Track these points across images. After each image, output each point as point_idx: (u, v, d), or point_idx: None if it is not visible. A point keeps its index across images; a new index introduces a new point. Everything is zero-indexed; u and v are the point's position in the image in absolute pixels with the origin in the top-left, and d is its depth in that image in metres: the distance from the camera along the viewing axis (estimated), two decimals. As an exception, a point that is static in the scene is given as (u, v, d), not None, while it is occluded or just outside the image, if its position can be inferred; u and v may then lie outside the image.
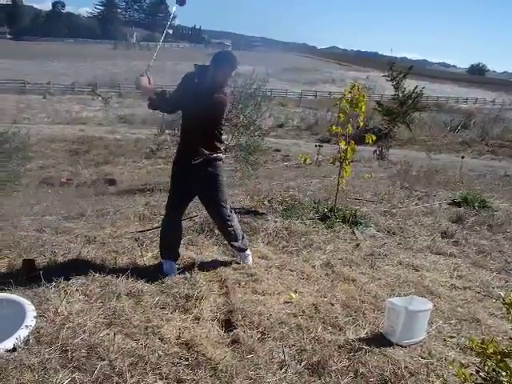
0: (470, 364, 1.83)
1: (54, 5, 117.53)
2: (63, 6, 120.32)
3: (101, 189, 8.87)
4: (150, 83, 3.07)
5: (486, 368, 1.43)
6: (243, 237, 3.46)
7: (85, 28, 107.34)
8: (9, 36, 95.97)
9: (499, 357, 1.37)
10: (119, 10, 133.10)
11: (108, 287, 2.82)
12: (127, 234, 3.85)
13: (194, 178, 3.14)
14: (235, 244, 3.40)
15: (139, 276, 3.00)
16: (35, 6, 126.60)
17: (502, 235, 4.68)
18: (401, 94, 15.47)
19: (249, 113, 8.41)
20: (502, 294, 1.44)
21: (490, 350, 1.38)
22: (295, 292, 3.05)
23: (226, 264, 3.40)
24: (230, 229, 3.35)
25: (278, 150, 15.19)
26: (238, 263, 3.43)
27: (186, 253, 3.50)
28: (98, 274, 2.94)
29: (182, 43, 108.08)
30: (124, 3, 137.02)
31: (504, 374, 1.38)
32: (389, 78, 15.50)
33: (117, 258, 3.32)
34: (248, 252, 3.48)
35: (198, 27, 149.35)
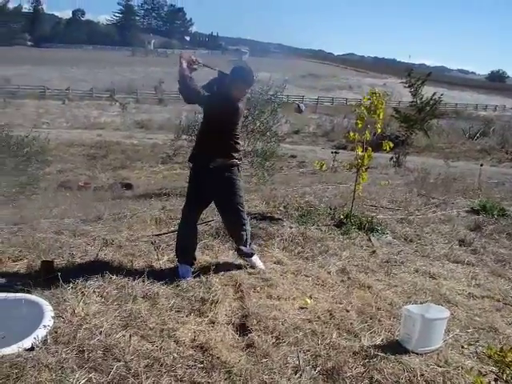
0: (488, 372, 1.80)
1: (74, 13, 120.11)
2: (83, 13, 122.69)
3: (118, 193, 8.98)
4: (194, 61, 3.15)
5: (505, 376, 1.41)
6: (251, 242, 3.51)
7: (103, 35, 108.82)
8: (29, 43, 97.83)
9: (518, 365, 1.35)
10: (137, 18, 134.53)
11: (124, 289, 2.85)
12: (144, 237, 3.90)
13: (211, 182, 3.18)
14: (244, 249, 3.42)
15: (155, 279, 3.03)
16: (56, 13, 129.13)
17: (522, 244, 4.58)
18: (419, 101, 15.37)
19: (265, 119, 8.43)
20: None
21: (509, 359, 1.36)
22: (310, 298, 3.04)
23: (241, 268, 3.40)
24: (243, 233, 3.37)
25: (293, 157, 15.19)
26: (253, 268, 3.42)
27: (201, 257, 3.53)
28: (114, 277, 2.99)
29: (199, 50, 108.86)
30: (142, 11, 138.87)
31: (523, 382, 1.36)
32: (407, 85, 15.41)
33: (133, 261, 3.36)
34: (255, 257, 3.49)
35: (215, 34, 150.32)
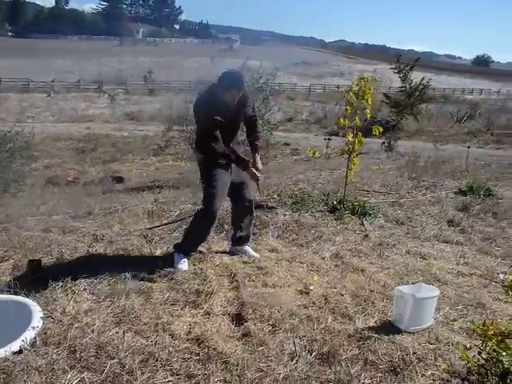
0: (473, 346, 1.85)
1: (56, 1, 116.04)
2: (66, 2, 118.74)
3: (108, 187, 8.87)
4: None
5: (488, 349, 1.44)
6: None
7: (89, 24, 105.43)
8: (10, 34, 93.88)
9: (499, 338, 1.39)
10: (124, 6, 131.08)
11: (116, 285, 2.84)
12: (136, 231, 3.88)
13: (235, 171, 3.32)
14: (246, 234, 3.53)
15: (148, 273, 3.02)
16: (37, 2, 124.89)
17: (507, 222, 4.71)
18: (408, 86, 15.41)
19: (257, 107, 8.40)
20: (501, 277, 1.45)
21: (491, 332, 1.39)
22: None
23: (235, 258, 3.41)
24: (253, 221, 3.60)
25: (287, 144, 15.15)
26: (248, 257, 3.44)
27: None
28: (106, 273, 2.96)
29: (189, 38, 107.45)
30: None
31: (504, 353, 1.39)
32: (396, 71, 15.42)
33: (125, 256, 3.35)
34: (247, 247, 3.54)
35: (205, 22, 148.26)
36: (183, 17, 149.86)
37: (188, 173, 8.66)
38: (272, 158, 8.74)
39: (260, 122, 8.15)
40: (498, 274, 3.39)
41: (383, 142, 12.93)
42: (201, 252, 3.47)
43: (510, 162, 9.64)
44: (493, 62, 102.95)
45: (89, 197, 6.70)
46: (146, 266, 3.12)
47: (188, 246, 3.32)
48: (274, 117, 10.54)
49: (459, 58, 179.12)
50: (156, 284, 2.92)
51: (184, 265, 3.19)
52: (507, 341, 1.41)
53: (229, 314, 2.66)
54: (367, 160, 9.25)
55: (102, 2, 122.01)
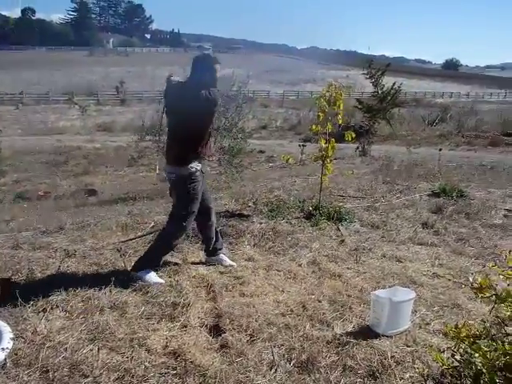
0: (447, 348, 1.88)
1: (23, 11, 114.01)
2: (33, 12, 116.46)
3: (81, 200, 8.66)
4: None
5: (461, 351, 1.46)
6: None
7: (58, 35, 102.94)
8: None
9: (471, 339, 1.40)
10: (94, 16, 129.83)
11: (90, 301, 2.76)
12: (109, 245, 3.79)
13: (204, 182, 3.28)
14: (219, 242, 3.52)
15: (123, 287, 2.95)
16: (3, 12, 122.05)
17: (479, 222, 4.82)
18: (380, 91, 15.65)
19: (231, 115, 8.39)
20: (470, 279, 1.46)
21: (463, 334, 1.41)
22: None
23: (212, 268, 3.38)
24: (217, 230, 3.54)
25: (262, 152, 15.16)
26: (224, 266, 3.42)
27: (171, 259, 3.47)
28: (79, 289, 2.88)
29: (160, 47, 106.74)
30: (98, 8, 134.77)
31: (476, 355, 1.41)
32: (368, 76, 15.65)
33: (99, 271, 3.26)
34: (222, 255, 3.52)
35: (176, 31, 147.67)
36: (154, 26, 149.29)
37: (162, 183, 8.57)
38: (247, 166, 8.72)
39: (234, 130, 8.24)
40: (472, 273, 3.46)
41: (357, 147, 13.09)
42: (176, 264, 3.42)
43: (480, 163, 9.88)
44: (461, 65, 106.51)
45: (60, 211, 6.54)
46: (120, 280, 3.05)
47: (153, 262, 3.23)
48: (248, 124, 10.56)
49: (429, 62, 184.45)
50: (131, 298, 2.85)
51: (157, 278, 3.13)
52: (479, 342, 1.42)
53: (206, 326, 2.62)
54: (342, 165, 9.35)
55: (70, 12, 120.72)
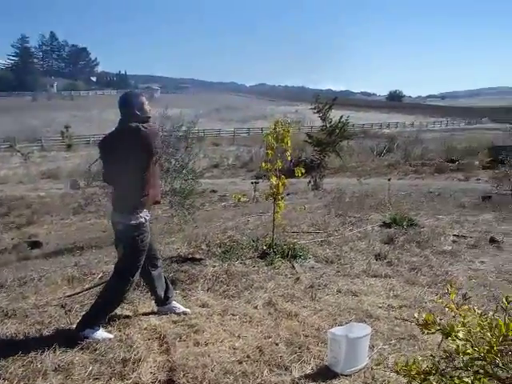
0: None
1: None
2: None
3: (24, 253, 8.18)
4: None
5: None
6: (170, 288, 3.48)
7: None
8: None
9: (422, 376, 1.40)
10: (36, 60, 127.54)
11: (32, 365, 2.56)
12: (54, 300, 3.57)
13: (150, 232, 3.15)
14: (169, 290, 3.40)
15: (68, 347, 2.76)
16: None
17: (430, 250, 4.97)
18: (328, 125, 16.13)
19: (180, 156, 8.34)
20: (415, 315, 1.47)
21: (414, 372, 1.40)
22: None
23: (164, 318, 3.25)
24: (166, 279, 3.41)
25: (214, 191, 15.13)
26: (178, 315, 3.29)
27: (121, 312, 3.31)
28: (19, 352, 2.67)
29: (107, 90, 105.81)
30: (41, 53, 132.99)
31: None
32: (315, 111, 16.16)
33: (42, 331, 3.04)
34: (175, 302, 3.41)
35: (123, 72, 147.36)
36: (100, 68, 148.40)
37: (112, 230, 8.27)
38: (199, 207, 8.64)
39: (184, 171, 8.19)
40: (426, 302, 3.53)
41: (309, 181, 13.35)
42: (127, 316, 3.27)
43: (428, 190, 10.31)
44: (404, 96, 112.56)
45: (1, 267, 6.14)
46: (66, 339, 2.85)
47: (103, 317, 3.04)
48: (200, 164, 10.55)
49: (374, 94, 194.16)
50: (77, 358, 2.67)
51: (105, 333, 2.96)
52: (430, 378, 1.42)
53: (159, 381, 2.48)
54: (296, 200, 9.48)
55: (11, 57, 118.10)
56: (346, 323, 3.02)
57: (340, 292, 3.77)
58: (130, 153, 2.85)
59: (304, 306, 3.47)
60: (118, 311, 3.26)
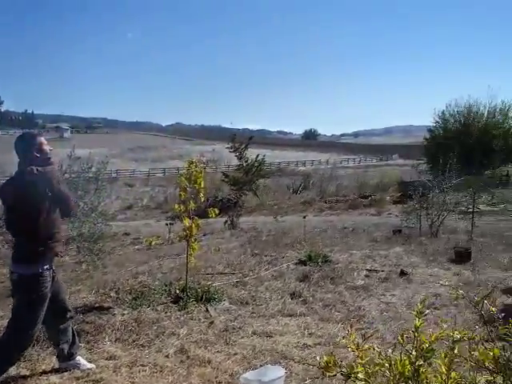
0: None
1: None
2: None
3: None
4: None
5: None
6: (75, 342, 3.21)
7: None
8: None
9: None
10: None
11: None
12: None
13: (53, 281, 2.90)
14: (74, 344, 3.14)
15: None
16: None
17: (343, 286, 5.08)
18: (245, 164, 16.42)
19: (89, 199, 7.91)
20: (318, 358, 1.48)
21: None
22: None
23: (66, 375, 2.98)
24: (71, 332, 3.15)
25: (127, 234, 14.46)
26: (82, 370, 3.03)
27: (16, 372, 2.98)
28: None
29: (12, 130, 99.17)
30: None
31: None
32: (232, 150, 16.40)
33: None
34: (79, 357, 3.15)
35: (30, 112, 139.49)
36: (3, 107, 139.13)
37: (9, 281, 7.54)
38: (110, 251, 8.19)
39: (93, 214, 7.78)
40: (340, 339, 3.55)
41: (226, 221, 13.34)
42: (23, 376, 2.94)
43: (343, 226, 10.72)
44: (319, 134, 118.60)
45: None
46: None
47: None
48: (112, 206, 10.11)
49: (290, 133, 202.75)
50: None
51: None
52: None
53: None
54: (212, 240, 9.38)
55: None
56: (261, 366, 2.97)
57: (255, 334, 3.71)
58: (23, 199, 2.70)
59: (218, 351, 3.36)
60: (13, 372, 2.94)
